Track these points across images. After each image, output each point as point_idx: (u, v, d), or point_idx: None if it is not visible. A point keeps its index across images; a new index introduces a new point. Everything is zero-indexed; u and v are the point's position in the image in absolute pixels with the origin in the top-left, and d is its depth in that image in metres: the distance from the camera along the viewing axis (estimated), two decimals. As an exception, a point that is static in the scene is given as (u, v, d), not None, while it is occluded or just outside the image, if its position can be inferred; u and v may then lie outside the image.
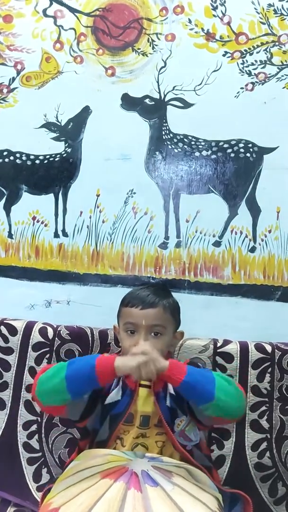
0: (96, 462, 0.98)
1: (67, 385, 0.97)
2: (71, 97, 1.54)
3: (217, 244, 1.46)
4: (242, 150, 1.45)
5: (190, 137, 1.48)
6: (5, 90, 1.59)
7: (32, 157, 1.57)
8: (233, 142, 1.46)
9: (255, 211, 1.45)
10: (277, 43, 1.44)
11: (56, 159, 1.56)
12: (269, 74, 1.45)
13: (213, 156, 1.47)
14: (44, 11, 1.56)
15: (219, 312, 1.43)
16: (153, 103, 1.50)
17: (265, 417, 1.27)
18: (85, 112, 1.54)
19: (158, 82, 1.50)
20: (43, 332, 1.37)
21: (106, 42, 1.53)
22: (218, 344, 1.31)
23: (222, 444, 1.27)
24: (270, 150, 1.44)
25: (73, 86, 1.55)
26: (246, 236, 1.45)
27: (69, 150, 1.55)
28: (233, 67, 1.46)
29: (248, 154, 1.45)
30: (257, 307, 1.43)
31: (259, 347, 1.30)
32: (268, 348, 1.30)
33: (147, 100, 1.50)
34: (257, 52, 1.45)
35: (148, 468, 0.95)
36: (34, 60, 1.57)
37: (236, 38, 1.46)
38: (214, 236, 1.46)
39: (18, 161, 1.58)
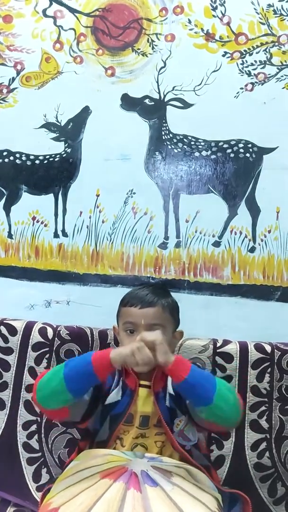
0: (96, 462, 0.98)
1: (66, 384, 0.97)
2: (71, 97, 1.55)
3: (216, 244, 1.46)
4: (241, 150, 1.45)
5: (189, 137, 1.48)
6: (5, 90, 1.59)
7: (32, 157, 1.57)
8: (232, 142, 1.46)
9: (254, 211, 1.45)
10: (276, 44, 1.44)
11: (56, 159, 1.56)
12: (269, 74, 1.45)
13: (213, 156, 1.47)
14: (44, 11, 1.56)
15: (219, 312, 1.44)
16: (152, 103, 1.50)
17: (265, 417, 1.28)
18: (85, 112, 1.54)
19: (157, 82, 1.50)
20: (43, 332, 1.37)
21: (106, 42, 1.54)
22: (218, 344, 1.31)
23: (222, 444, 1.27)
24: (269, 150, 1.44)
25: (73, 86, 1.55)
26: (246, 236, 1.45)
27: (69, 150, 1.55)
28: (232, 67, 1.46)
29: (247, 154, 1.45)
30: (257, 307, 1.43)
31: (259, 347, 1.30)
32: (268, 348, 1.30)
33: (146, 100, 1.50)
34: (257, 53, 1.45)
35: (147, 468, 0.95)
36: (34, 60, 1.57)
37: (236, 38, 1.46)
38: (213, 236, 1.46)
39: (18, 161, 1.58)
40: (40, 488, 1.25)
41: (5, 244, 1.58)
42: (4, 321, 1.40)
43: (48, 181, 1.56)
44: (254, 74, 1.45)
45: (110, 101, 1.52)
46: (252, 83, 1.45)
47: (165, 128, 1.49)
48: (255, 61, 1.45)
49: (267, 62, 1.45)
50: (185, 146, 1.48)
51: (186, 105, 1.48)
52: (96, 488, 0.89)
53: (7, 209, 1.59)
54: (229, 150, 1.46)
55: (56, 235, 1.55)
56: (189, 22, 1.48)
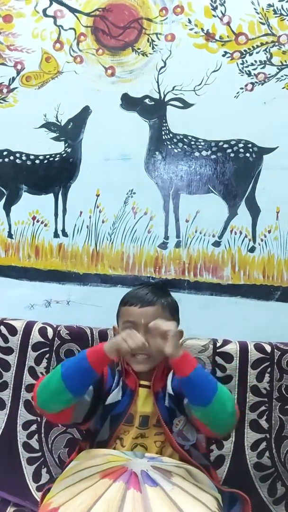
0: (96, 462, 0.98)
1: (65, 383, 0.96)
2: (71, 97, 1.54)
3: (216, 244, 1.46)
4: (241, 150, 1.45)
5: (190, 137, 1.48)
6: (5, 90, 1.59)
7: (32, 157, 1.57)
8: (232, 142, 1.46)
9: (254, 211, 1.45)
10: (276, 43, 1.44)
11: (56, 159, 1.56)
12: (269, 74, 1.45)
13: (213, 156, 1.47)
14: (44, 11, 1.56)
15: (219, 312, 1.44)
16: (153, 103, 1.50)
17: (265, 417, 1.28)
18: (85, 112, 1.54)
19: (158, 82, 1.50)
20: (43, 332, 1.37)
21: (106, 42, 1.53)
22: (218, 344, 1.31)
23: (222, 444, 1.27)
24: (269, 150, 1.44)
25: (73, 86, 1.55)
26: (246, 236, 1.45)
27: (69, 150, 1.55)
28: (232, 67, 1.46)
29: (247, 154, 1.45)
30: (257, 307, 1.43)
31: (259, 347, 1.30)
32: (268, 348, 1.30)
33: (147, 100, 1.50)
34: (257, 52, 1.45)
35: (147, 468, 0.95)
36: (34, 60, 1.57)
37: (236, 38, 1.46)
38: (213, 236, 1.46)
39: (18, 161, 1.58)
40: (40, 488, 1.25)
41: (5, 244, 1.58)
42: (4, 321, 1.40)
43: (48, 181, 1.56)
44: (254, 74, 1.45)
45: (110, 101, 1.52)
46: (252, 83, 1.45)
47: (165, 128, 1.49)
48: (255, 61, 1.45)
49: (267, 62, 1.45)
50: (185, 146, 1.48)
51: (186, 105, 1.48)
52: (96, 488, 0.89)
53: (7, 209, 1.59)
54: (229, 150, 1.46)
55: (56, 235, 1.55)
56: (189, 22, 1.48)
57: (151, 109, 1.50)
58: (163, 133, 1.49)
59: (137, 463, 0.97)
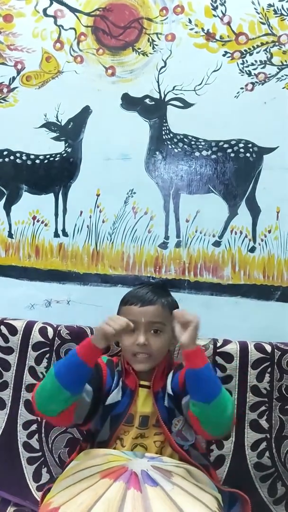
0: (96, 462, 0.99)
1: (60, 382, 0.96)
2: (71, 97, 1.54)
3: (217, 244, 1.46)
4: (242, 150, 1.45)
5: (190, 137, 1.48)
6: (5, 90, 1.59)
7: (32, 156, 1.57)
8: (233, 142, 1.46)
9: (255, 211, 1.45)
10: (277, 43, 1.44)
11: (56, 159, 1.56)
12: (269, 74, 1.45)
13: (213, 156, 1.47)
14: (44, 10, 1.56)
15: (219, 312, 1.44)
16: (153, 103, 1.50)
17: (265, 417, 1.28)
18: (85, 112, 1.54)
19: (158, 82, 1.50)
20: (43, 331, 1.37)
21: (106, 42, 1.53)
22: (218, 344, 1.31)
23: (222, 444, 1.27)
24: (270, 150, 1.44)
25: (73, 86, 1.55)
26: (246, 236, 1.45)
27: (69, 150, 1.55)
28: (233, 67, 1.46)
29: (248, 154, 1.45)
30: (257, 307, 1.43)
31: (259, 347, 1.30)
32: (268, 348, 1.30)
33: (147, 100, 1.50)
34: (257, 52, 1.45)
35: (147, 468, 0.96)
36: (34, 60, 1.57)
37: (236, 38, 1.46)
38: (214, 236, 1.46)
39: (18, 160, 1.58)
40: (40, 488, 1.25)
41: (5, 244, 1.58)
42: (4, 321, 1.40)
43: (48, 181, 1.56)
44: (255, 74, 1.45)
45: (110, 100, 1.52)
46: (253, 83, 1.45)
47: (165, 128, 1.49)
48: (256, 61, 1.45)
49: (268, 62, 1.45)
50: (185, 146, 1.48)
51: (186, 104, 1.48)
52: (96, 488, 0.89)
53: (7, 208, 1.59)
54: (229, 150, 1.46)
55: (56, 235, 1.55)
56: (190, 21, 1.48)
57: (152, 109, 1.50)
58: (163, 133, 1.49)
59: (137, 463, 0.98)
